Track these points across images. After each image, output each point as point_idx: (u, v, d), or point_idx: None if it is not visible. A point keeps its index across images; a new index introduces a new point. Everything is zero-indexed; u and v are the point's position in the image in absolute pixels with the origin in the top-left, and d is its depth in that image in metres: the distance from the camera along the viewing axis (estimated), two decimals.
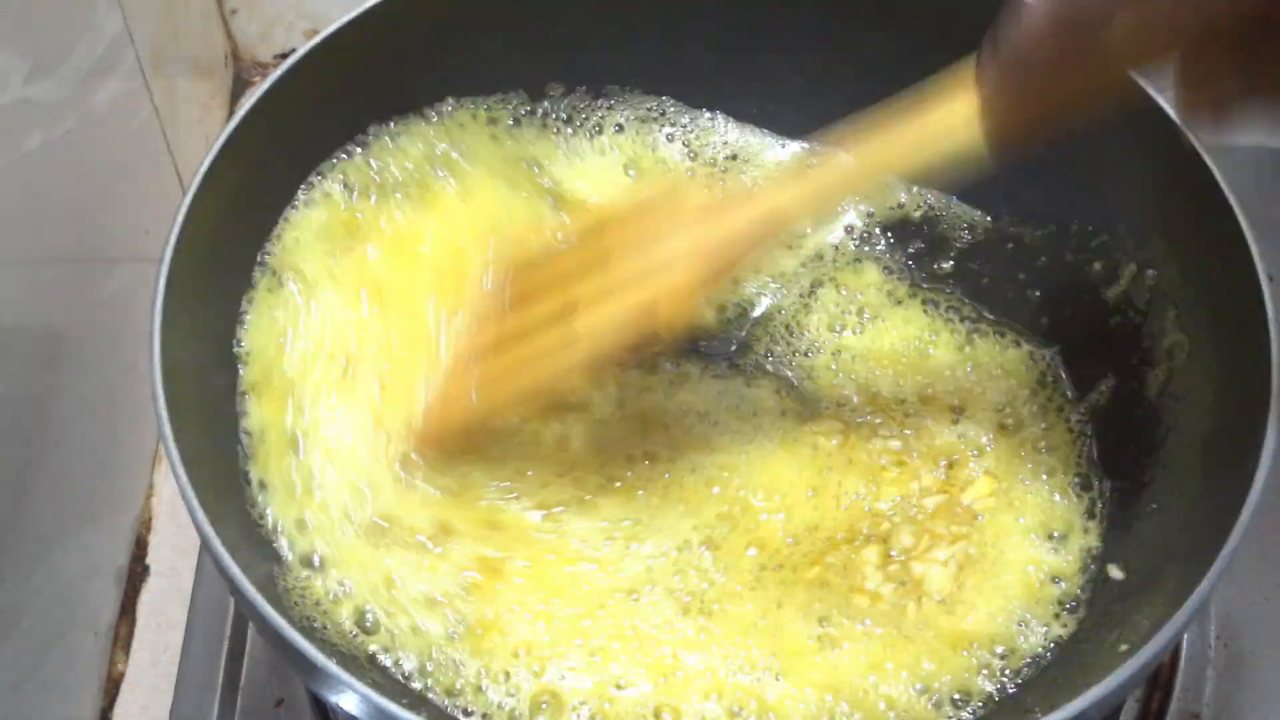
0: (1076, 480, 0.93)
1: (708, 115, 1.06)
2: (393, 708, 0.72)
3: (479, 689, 0.83)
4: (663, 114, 1.06)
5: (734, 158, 1.06)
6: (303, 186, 0.96)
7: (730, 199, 0.85)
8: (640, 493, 0.91)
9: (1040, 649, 0.86)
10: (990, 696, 0.84)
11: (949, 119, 0.76)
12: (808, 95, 1.04)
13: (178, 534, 1.14)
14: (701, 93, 1.06)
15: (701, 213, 0.84)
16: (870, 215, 1.03)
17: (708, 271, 0.82)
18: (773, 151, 1.06)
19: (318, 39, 0.92)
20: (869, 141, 0.79)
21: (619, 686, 0.83)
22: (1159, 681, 0.97)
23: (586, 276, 0.86)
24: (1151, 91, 0.88)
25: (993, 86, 0.73)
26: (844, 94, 1.01)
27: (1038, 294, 1.00)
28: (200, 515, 0.76)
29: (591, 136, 1.05)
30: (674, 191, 0.88)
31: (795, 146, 1.06)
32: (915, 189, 1.03)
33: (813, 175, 0.81)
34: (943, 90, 0.76)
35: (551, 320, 0.86)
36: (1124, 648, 0.77)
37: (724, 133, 1.06)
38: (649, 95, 1.06)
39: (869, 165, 0.80)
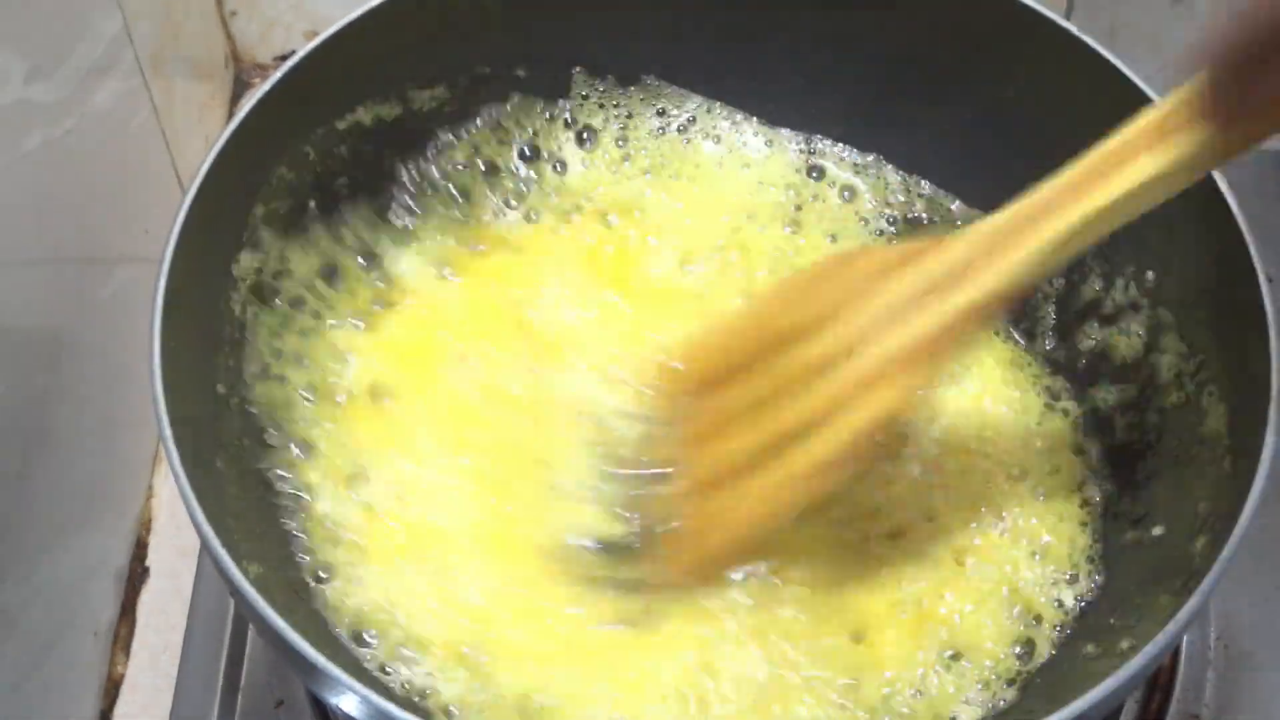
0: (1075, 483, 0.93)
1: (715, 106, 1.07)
2: (393, 709, 0.71)
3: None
4: (663, 112, 1.06)
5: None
6: None
7: (928, 267, 0.75)
8: None
9: (1040, 651, 0.86)
10: (990, 699, 0.84)
11: (1165, 145, 0.70)
12: (807, 95, 1.04)
13: (177, 535, 1.14)
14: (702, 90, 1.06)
15: (902, 291, 0.75)
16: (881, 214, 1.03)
17: (930, 361, 0.74)
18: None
19: (317, 40, 0.91)
20: (1083, 194, 0.73)
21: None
22: (1159, 683, 0.97)
23: (752, 392, 0.77)
24: (1151, 93, 0.89)
25: (1226, 101, 0.66)
26: (844, 93, 1.03)
27: (1037, 294, 1.00)
28: (200, 516, 0.76)
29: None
30: (851, 270, 0.78)
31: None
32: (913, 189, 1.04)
33: (1026, 235, 0.74)
34: (1145, 126, 0.71)
35: (760, 422, 0.77)
36: (1124, 648, 0.77)
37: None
38: (649, 97, 1.06)
39: (1090, 213, 0.73)
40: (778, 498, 0.79)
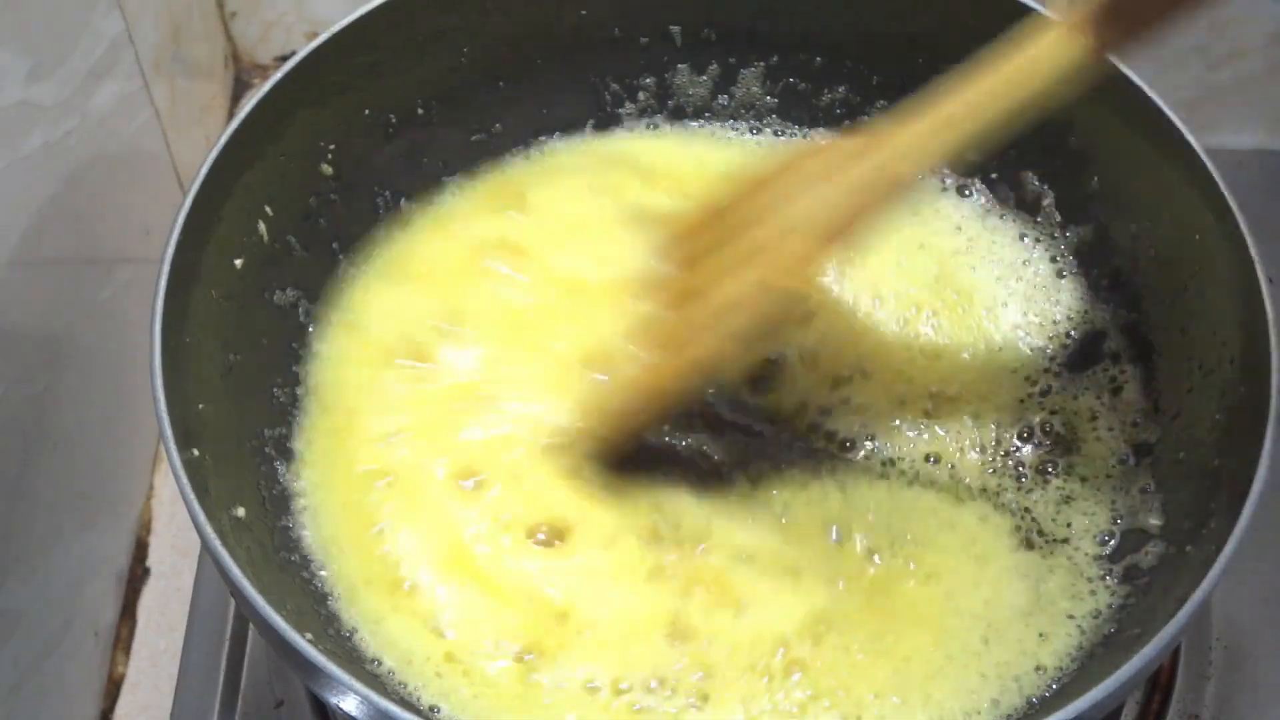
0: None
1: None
2: (393, 709, 0.72)
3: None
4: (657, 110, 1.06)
5: None
6: None
7: (844, 155, 0.83)
8: None
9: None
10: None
11: (1047, 47, 0.78)
12: (805, 92, 1.04)
13: (178, 535, 1.14)
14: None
15: (818, 173, 0.83)
16: None
17: (822, 234, 0.82)
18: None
19: (318, 41, 0.92)
20: (967, 89, 0.80)
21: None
22: (1159, 683, 0.97)
23: (711, 255, 0.85)
24: (1151, 94, 0.89)
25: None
26: (844, 91, 1.03)
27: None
28: (200, 516, 0.76)
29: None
30: (793, 157, 0.87)
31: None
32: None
33: (915, 125, 0.81)
34: (1029, 31, 0.79)
35: (682, 303, 0.87)
36: (1124, 647, 0.77)
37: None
38: (647, 104, 1.06)
39: (973, 107, 0.80)
40: (705, 328, 0.86)
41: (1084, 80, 0.78)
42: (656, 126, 1.06)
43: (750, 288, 0.83)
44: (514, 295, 0.98)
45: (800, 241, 0.82)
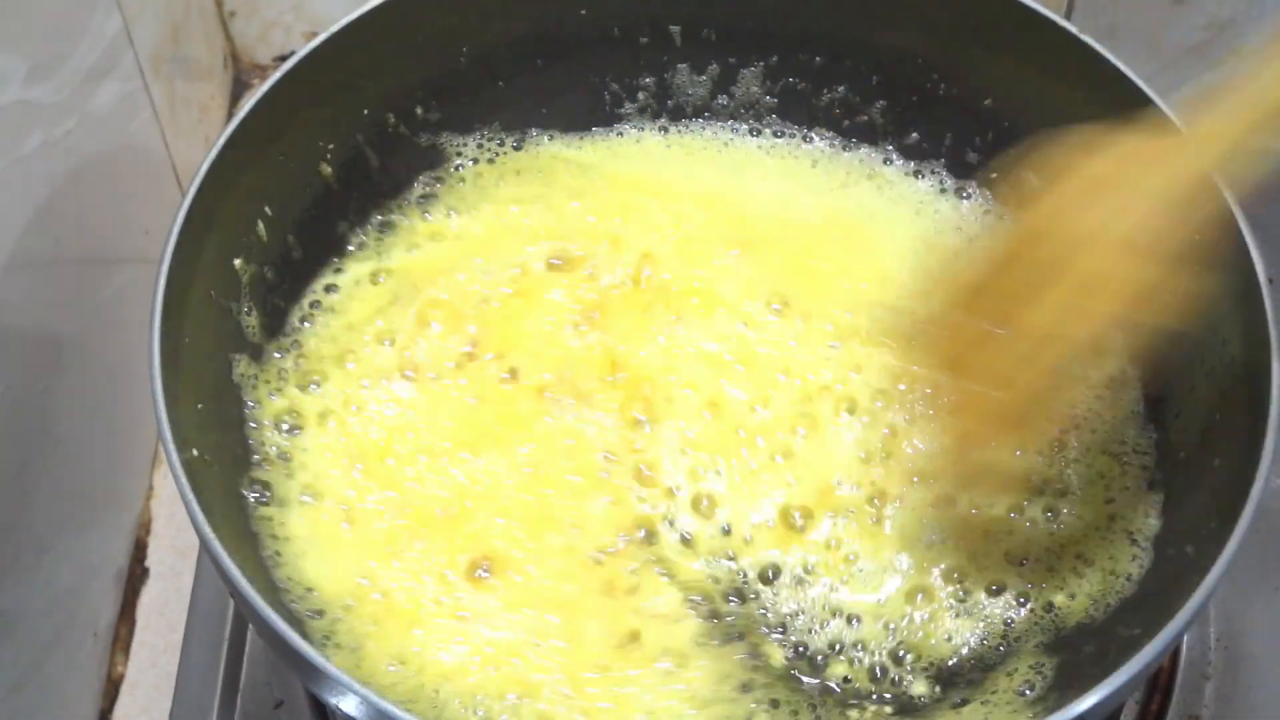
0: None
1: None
2: (393, 709, 0.71)
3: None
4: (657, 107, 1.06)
5: None
6: None
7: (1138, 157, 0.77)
8: None
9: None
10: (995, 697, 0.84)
11: None
12: (806, 95, 1.04)
13: (177, 535, 1.14)
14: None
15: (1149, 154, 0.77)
16: None
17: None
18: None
19: (317, 41, 0.92)
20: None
21: None
22: (1159, 684, 0.97)
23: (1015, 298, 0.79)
24: (1152, 94, 0.89)
25: None
26: (844, 93, 1.03)
27: None
28: (200, 517, 0.76)
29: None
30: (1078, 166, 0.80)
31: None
32: None
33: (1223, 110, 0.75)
34: None
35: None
36: (1124, 648, 0.77)
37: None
38: (646, 103, 1.06)
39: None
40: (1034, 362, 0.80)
41: None
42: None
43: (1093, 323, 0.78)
44: None
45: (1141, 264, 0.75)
